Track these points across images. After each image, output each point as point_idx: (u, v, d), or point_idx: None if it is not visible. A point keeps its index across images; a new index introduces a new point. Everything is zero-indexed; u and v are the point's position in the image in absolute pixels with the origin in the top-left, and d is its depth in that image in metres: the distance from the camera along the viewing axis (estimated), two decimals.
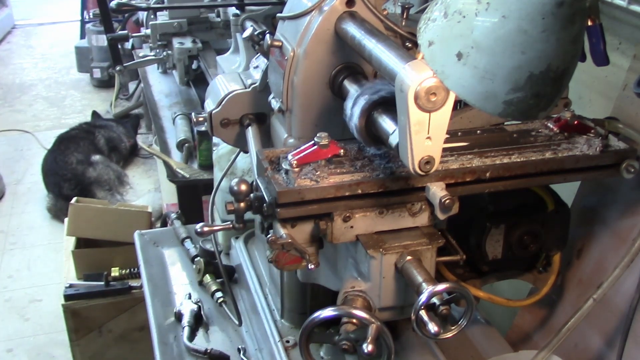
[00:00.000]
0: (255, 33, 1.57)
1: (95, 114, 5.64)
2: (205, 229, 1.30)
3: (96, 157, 4.69)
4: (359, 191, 1.17)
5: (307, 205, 1.16)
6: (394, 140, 1.10)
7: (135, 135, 5.43)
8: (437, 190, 1.16)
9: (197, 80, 3.81)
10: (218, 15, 3.69)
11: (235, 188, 1.21)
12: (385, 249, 1.19)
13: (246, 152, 1.62)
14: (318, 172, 1.18)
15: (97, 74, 6.85)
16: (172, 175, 3.14)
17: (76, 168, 4.56)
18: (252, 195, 1.22)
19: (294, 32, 1.35)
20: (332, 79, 1.35)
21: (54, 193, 4.63)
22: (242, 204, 1.22)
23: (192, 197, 3.09)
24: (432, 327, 1.08)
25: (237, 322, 1.72)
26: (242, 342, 1.69)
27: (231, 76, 1.64)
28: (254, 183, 1.25)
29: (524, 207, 1.39)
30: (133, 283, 2.90)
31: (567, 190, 1.51)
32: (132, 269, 2.92)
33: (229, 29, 3.31)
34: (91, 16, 6.92)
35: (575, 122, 1.35)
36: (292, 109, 1.39)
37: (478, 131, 1.37)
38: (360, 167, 1.21)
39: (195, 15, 3.68)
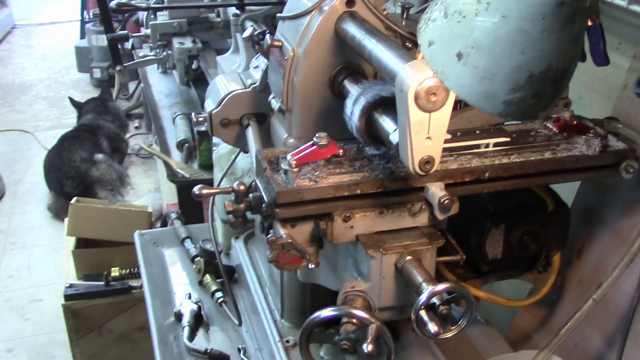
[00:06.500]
0: (255, 33, 1.57)
1: (104, 90, 5.48)
2: (204, 191, 1.29)
3: (99, 156, 4.65)
4: (358, 191, 1.17)
5: (306, 205, 1.16)
6: (394, 140, 1.10)
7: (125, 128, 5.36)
8: (436, 191, 1.16)
9: (197, 80, 3.81)
10: (218, 15, 3.69)
11: (236, 187, 1.21)
12: (385, 249, 1.19)
13: (246, 152, 1.62)
14: (317, 172, 1.18)
15: (97, 74, 6.86)
16: (172, 175, 3.14)
17: (80, 166, 4.50)
18: (251, 195, 1.22)
19: (294, 32, 1.34)
20: (332, 79, 1.35)
21: (56, 191, 4.58)
22: (241, 205, 1.21)
23: (192, 197, 3.08)
24: (432, 327, 1.08)
25: (237, 322, 1.72)
26: (242, 342, 1.69)
27: (231, 76, 1.64)
28: (253, 183, 1.25)
29: (524, 207, 1.39)
30: (133, 283, 2.90)
31: (567, 190, 1.51)
32: (132, 269, 2.93)
33: (229, 29, 3.31)
34: (91, 16, 6.94)
35: (575, 122, 1.35)
36: (292, 109, 1.39)
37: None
38: (360, 167, 1.21)
39: (195, 15, 3.68)
